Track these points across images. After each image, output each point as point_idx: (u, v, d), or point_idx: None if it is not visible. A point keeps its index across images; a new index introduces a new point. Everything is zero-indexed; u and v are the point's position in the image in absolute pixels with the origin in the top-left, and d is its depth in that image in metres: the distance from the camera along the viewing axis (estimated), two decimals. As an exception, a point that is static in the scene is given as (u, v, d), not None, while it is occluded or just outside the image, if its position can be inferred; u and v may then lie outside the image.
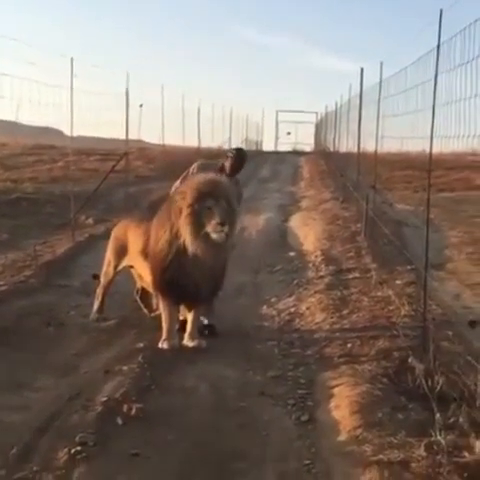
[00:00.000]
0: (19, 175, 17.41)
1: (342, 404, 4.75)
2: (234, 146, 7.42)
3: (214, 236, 5.59)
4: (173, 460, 4.00)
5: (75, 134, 11.57)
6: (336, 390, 5.05)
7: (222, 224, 5.57)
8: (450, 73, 5.43)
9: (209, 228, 5.59)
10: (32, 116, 11.81)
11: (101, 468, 3.81)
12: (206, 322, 6.56)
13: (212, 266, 5.93)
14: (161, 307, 6.29)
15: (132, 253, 6.67)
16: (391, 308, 6.94)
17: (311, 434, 4.44)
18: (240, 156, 6.84)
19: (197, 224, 5.63)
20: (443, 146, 5.69)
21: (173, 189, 6.72)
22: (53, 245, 10.32)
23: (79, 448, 3.96)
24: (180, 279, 5.93)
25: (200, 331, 6.37)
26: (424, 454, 3.86)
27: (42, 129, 21.48)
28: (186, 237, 5.70)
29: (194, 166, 6.81)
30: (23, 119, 13.60)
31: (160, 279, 6.11)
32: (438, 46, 5.51)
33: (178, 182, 6.79)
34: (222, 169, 6.70)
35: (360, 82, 13.10)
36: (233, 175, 6.73)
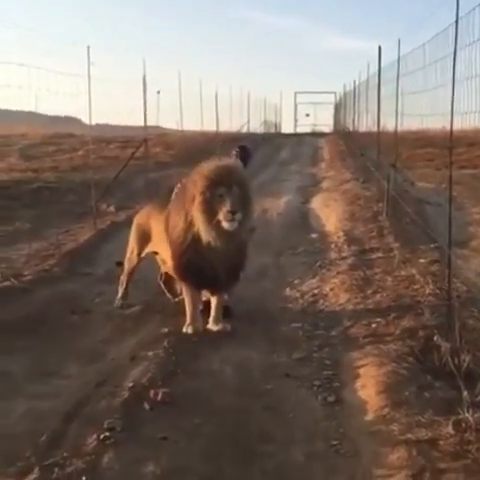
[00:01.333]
0: (40, 165, 17.49)
1: (368, 384, 4.74)
2: (239, 144, 7.35)
3: (225, 225, 5.58)
4: (201, 443, 4.01)
5: (94, 122, 11.60)
6: (362, 370, 5.04)
7: (233, 212, 5.55)
8: (470, 48, 5.37)
9: (221, 216, 5.57)
10: (50, 105, 11.85)
11: (130, 453, 3.83)
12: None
13: (228, 252, 5.91)
14: (184, 292, 6.32)
15: (155, 239, 6.70)
16: (415, 287, 6.91)
17: (338, 415, 4.43)
18: (244, 153, 6.83)
19: (209, 212, 5.62)
20: (464, 122, 5.63)
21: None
22: (75, 233, 10.38)
23: (107, 434, 3.99)
24: (198, 264, 5.94)
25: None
26: (452, 432, 3.86)
27: (60, 118, 21.58)
28: (199, 225, 5.71)
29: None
30: (41, 109, 13.64)
31: (179, 264, 6.13)
32: (456, 21, 5.43)
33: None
34: None
35: (378, 60, 12.99)
36: None
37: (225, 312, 6.37)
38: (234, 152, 6.86)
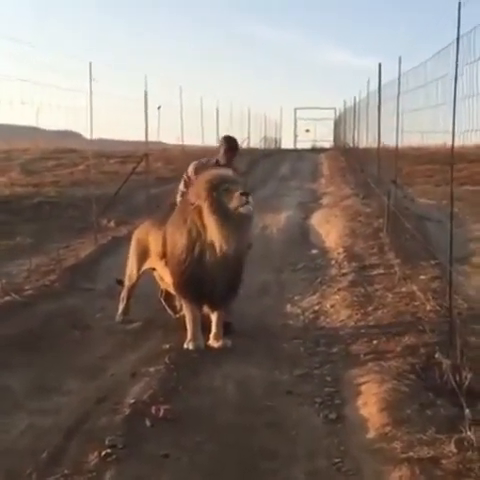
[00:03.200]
0: (40, 179, 17.53)
1: (370, 401, 4.73)
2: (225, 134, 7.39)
3: (242, 210, 5.60)
4: (203, 460, 4.00)
5: (94, 137, 11.63)
6: (363, 387, 5.03)
7: (246, 194, 5.62)
8: (471, 66, 5.39)
9: (235, 203, 5.60)
10: (51, 120, 11.88)
11: (132, 470, 3.82)
12: (224, 319, 6.53)
13: (230, 263, 5.92)
14: (184, 308, 6.32)
15: (153, 256, 6.70)
16: (416, 304, 6.91)
17: (340, 432, 4.42)
18: (230, 145, 6.83)
19: (221, 209, 5.64)
20: (465, 139, 5.64)
21: (179, 192, 6.78)
22: (76, 248, 10.38)
23: (109, 450, 3.98)
24: (198, 280, 5.95)
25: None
26: (454, 450, 3.85)
27: (61, 133, 21.61)
28: (212, 229, 5.69)
29: (190, 167, 6.83)
30: (43, 124, 13.67)
31: (179, 281, 6.14)
32: (458, 39, 5.46)
33: (181, 186, 6.82)
34: (217, 163, 6.70)
35: (378, 77, 13.06)
36: (229, 163, 6.71)
37: (226, 329, 6.36)
38: (221, 143, 6.85)
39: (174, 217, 6.26)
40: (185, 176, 6.85)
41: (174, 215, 6.30)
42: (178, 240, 6.03)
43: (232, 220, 5.64)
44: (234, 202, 5.60)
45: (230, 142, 6.89)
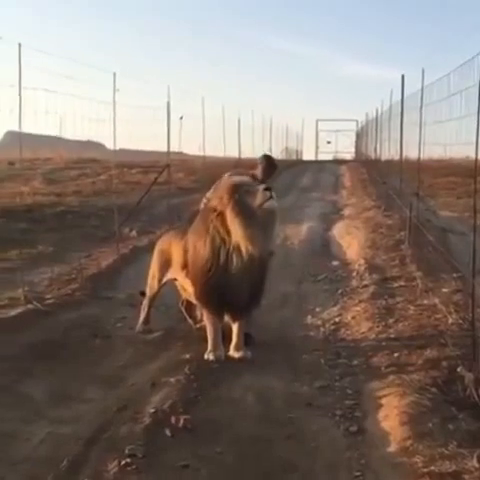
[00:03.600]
0: (63, 189, 17.65)
1: (391, 414, 4.69)
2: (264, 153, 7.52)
3: (267, 205, 5.63)
4: (222, 472, 3.99)
5: (116, 147, 11.70)
6: (384, 400, 4.99)
7: (269, 189, 5.66)
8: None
9: (258, 200, 5.63)
10: (75, 130, 11.98)
11: (151, 480, 3.82)
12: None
13: (253, 271, 5.92)
14: (205, 318, 6.31)
15: (175, 266, 6.70)
16: (438, 316, 6.86)
17: (360, 445, 4.39)
18: (269, 162, 6.92)
19: (246, 209, 5.66)
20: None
21: (204, 200, 6.79)
22: (98, 258, 10.42)
23: (129, 460, 3.98)
24: (221, 289, 5.94)
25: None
26: (477, 465, 3.80)
27: (84, 143, 21.77)
28: (239, 230, 5.67)
29: (224, 177, 6.81)
30: (66, 133, 13.80)
31: (202, 290, 6.13)
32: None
33: (210, 193, 6.82)
34: (253, 176, 6.71)
35: (401, 89, 12.99)
36: (265, 181, 6.65)
37: (246, 339, 6.35)
38: (260, 161, 6.93)
39: (196, 226, 6.25)
40: (216, 184, 6.85)
41: (196, 224, 6.29)
42: (201, 249, 6.00)
43: (257, 220, 5.65)
44: (258, 199, 5.63)
45: (269, 159, 7.03)
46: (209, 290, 6.02)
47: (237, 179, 5.94)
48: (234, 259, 5.80)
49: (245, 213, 5.65)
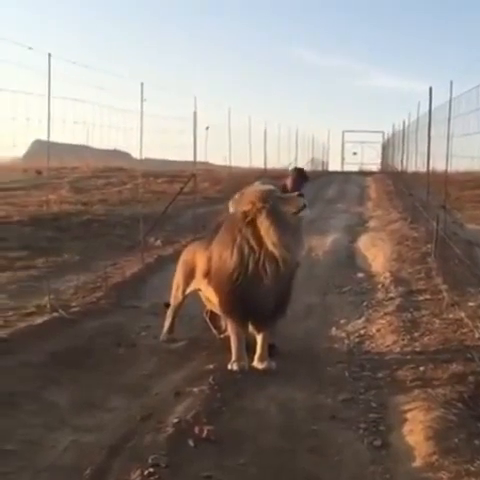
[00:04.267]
0: (89, 197, 17.78)
1: (416, 429, 4.64)
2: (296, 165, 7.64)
3: (302, 213, 5.71)
4: (245, 483, 3.97)
5: (143, 156, 11.76)
6: (409, 415, 4.95)
7: (301, 195, 5.73)
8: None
9: (292, 208, 5.66)
10: (101, 139, 12.05)
11: (174, 490, 3.81)
12: None
13: (284, 281, 5.93)
14: (229, 329, 6.29)
15: (199, 276, 6.70)
16: (464, 331, 6.80)
17: (385, 459, 4.35)
18: (300, 174, 6.95)
19: (281, 216, 5.67)
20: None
21: (231, 202, 6.71)
22: (123, 266, 10.47)
23: (152, 470, 3.97)
24: (248, 299, 5.93)
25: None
26: (503, 482, 3.75)
27: (110, 152, 21.93)
28: (275, 236, 5.65)
29: (256, 183, 6.76)
30: (93, 142, 13.89)
31: (226, 300, 6.12)
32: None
33: (234, 200, 6.77)
34: (284, 187, 6.71)
35: (429, 101, 12.94)
36: (297, 190, 6.58)
37: (270, 351, 6.33)
38: (290, 173, 6.96)
39: (221, 235, 6.21)
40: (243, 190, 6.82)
41: (221, 233, 6.24)
42: (227, 258, 5.96)
43: (290, 227, 5.68)
44: (293, 206, 5.66)
45: (300, 171, 7.10)
46: (234, 299, 6.00)
47: (267, 187, 5.95)
48: (267, 267, 5.77)
49: (280, 220, 5.65)
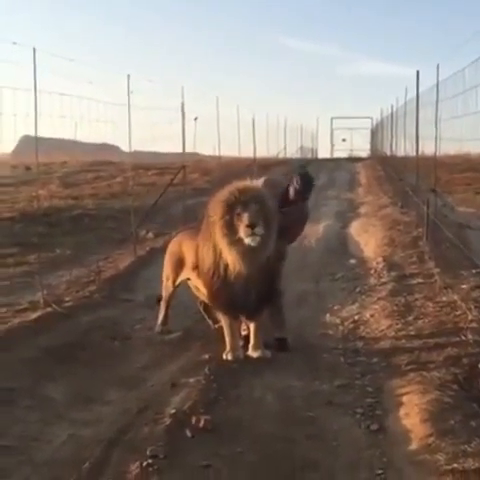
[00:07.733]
0: (79, 192, 17.72)
1: (412, 412, 4.67)
2: (297, 165, 7.22)
3: (247, 240, 5.57)
4: (244, 472, 3.98)
5: (132, 149, 11.71)
6: (405, 398, 4.97)
7: (252, 226, 5.53)
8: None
9: (241, 233, 5.58)
10: (90, 133, 12.01)
11: (173, 480, 3.82)
12: (277, 335, 6.49)
13: (257, 276, 5.92)
14: (222, 319, 6.30)
15: (188, 266, 6.72)
16: (457, 313, 6.82)
17: (382, 443, 4.38)
18: (305, 181, 6.49)
19: (230, 234, 5.65)
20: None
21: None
22: (115, 260, 10.46)
23: (150, 461, 3.98)
24: (228, 293, 5.98)
25: (270, 344, 6.32)
26: (500, 462, 3.77)
27: (99, 145, 21.86)
28: (224, 250, 5.76)
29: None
30: (81, 137, 13.84)
31: (211, 293, 6.18)
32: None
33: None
34: (286, 192, 6.46)
35: (416, 85, 12.94)
36: (297, 200, 6.49)
37: (282, 344, 6.37)
38: (295, 181, 6.53)
39: (203, 230, 6.23)
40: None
41: (203, 229, 6.25)
42: (205, 254, 6.07)
43: (242, 244, 5.64)
44: (241, 232, 5.59)
45: (305, 180, 6.70)
46: (217, 293, 6.08)
47: (234, 192, 5.75)
48: (231, 270, 5.86)
49: (230, 237, 5.66)
